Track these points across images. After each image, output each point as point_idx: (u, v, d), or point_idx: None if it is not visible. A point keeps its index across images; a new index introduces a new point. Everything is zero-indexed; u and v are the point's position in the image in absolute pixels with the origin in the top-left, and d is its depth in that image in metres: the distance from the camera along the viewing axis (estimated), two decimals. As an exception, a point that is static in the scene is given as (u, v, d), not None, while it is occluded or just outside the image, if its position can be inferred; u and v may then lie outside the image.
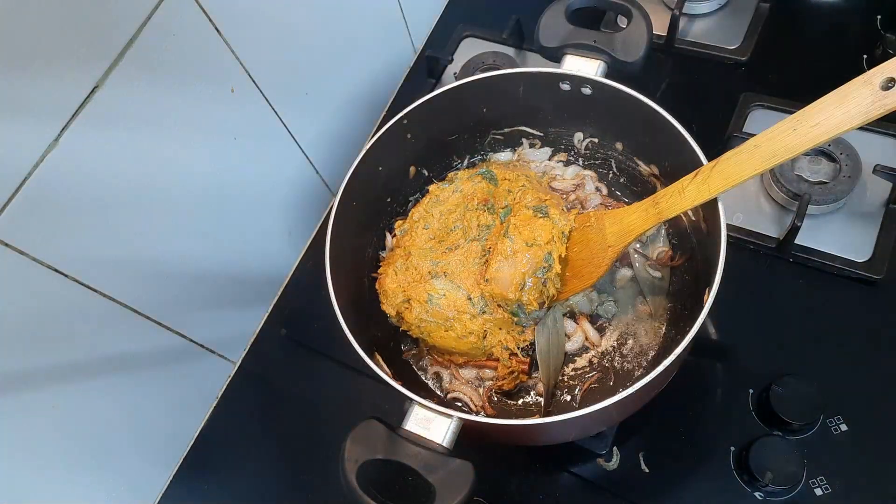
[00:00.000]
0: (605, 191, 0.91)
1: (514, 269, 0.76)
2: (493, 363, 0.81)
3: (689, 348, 0.63)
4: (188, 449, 0.95)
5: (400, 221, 0.88)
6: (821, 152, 0.89)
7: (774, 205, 0.91)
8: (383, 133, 0.82)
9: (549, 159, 0.95)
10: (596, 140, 0.92)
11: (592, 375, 0.81)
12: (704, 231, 0.75)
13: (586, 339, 0.83)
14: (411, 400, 0.65)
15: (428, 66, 1.12)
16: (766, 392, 0.78)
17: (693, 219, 0.80)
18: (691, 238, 0.82)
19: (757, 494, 0.75)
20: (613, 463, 0.80)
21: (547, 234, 0.78)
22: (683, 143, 0.72)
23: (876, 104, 0.55)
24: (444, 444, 0.62)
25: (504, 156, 0.96)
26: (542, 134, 0.94)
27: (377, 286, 0.83)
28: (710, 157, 0.69)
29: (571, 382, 0.82)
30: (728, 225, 0.67)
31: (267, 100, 0.88)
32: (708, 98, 1.02)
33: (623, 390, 0.61)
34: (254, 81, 0.85)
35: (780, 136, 0.61)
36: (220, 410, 0.97)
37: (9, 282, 0.63)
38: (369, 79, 1.12)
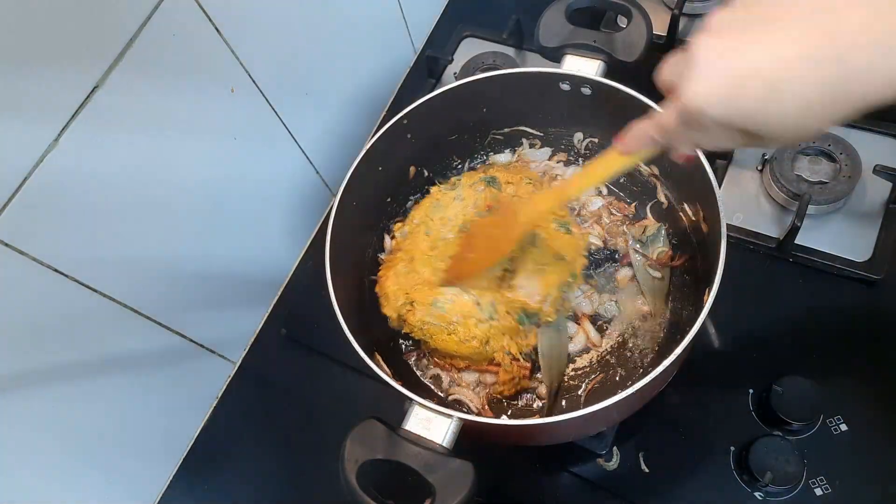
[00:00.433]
0: (605, 191, 0.91)
1: (541, 281, 0.77)
2: (494, 368, 0.80)
3: (689, 348, 0.63)
4: (188, 449, 0.95)
5: (399, 223, 0.88)
6: (821, 152, 0.89)
7: (774, 205, 0.91)
8: (383, 133, 0.82)
9: (549, 159, 0.94)
10: (596, 140, 0.91)
11: (594, 377, 0.81)
12: (704, 231, 0.75)
13: (588, 339, 0.83)
14: (411, 400, 0.64)
15: (428, 66, 1.12)
16: (766, 392, 0.78)
17: (693, 219, 0.80)
18: (691, 238, 0.82)
19: (757, 494, 0.75)
20: (613, 463, 0.80)
21: (573, 251, 0.80)
22: (683, 143, 0.72)
23: None
24: (445, 445, 0.62)
25: (504, 156, 0.96)
26: (542, 134, 0.94)
27: (377, 289, 0.83)
28: (708, 157, 0.69)
29: (572, 383, 0.81)
30: (728, 225, 0.67)
31: (267, 100, 0.88)
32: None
33: (623, 390, 0.60)
34: (254, 81, 0.85)
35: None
36: (219, 410, 0.97)
37: (9, 282, 0.63)
38: (369, 79, 1.12)
